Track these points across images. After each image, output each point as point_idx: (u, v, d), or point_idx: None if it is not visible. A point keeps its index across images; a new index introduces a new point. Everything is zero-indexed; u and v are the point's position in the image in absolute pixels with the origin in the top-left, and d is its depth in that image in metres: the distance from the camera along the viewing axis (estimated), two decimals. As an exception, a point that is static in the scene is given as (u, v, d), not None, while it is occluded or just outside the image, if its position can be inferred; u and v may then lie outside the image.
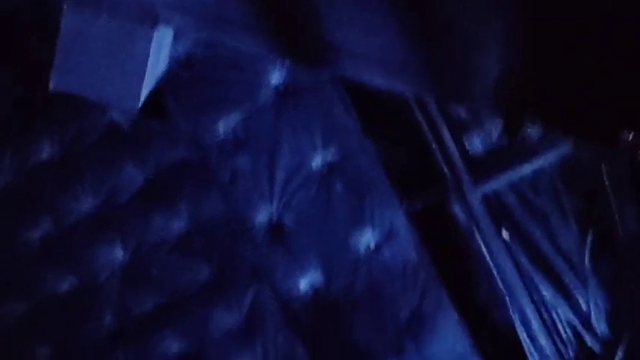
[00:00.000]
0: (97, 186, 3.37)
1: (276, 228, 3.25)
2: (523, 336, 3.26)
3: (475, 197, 3.22)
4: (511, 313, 3.25)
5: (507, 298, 3.24)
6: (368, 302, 3.24)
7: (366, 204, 3.21)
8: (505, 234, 3.22)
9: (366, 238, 3.21)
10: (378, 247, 3.21)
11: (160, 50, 2.59)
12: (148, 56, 2.48)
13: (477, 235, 3.23)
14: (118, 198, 3.37)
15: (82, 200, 3.34)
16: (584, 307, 3.20)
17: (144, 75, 2.53)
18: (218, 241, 3.40)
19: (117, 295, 3.35)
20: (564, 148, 3.11)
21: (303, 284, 3.27)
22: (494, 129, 3.21)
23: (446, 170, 3.22)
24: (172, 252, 3.40)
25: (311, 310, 3.27)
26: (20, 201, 3.31)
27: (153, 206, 3.37)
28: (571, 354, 3.23)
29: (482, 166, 3.23)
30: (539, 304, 3.24)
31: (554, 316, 3.24)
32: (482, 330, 3.34)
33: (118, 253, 3.36)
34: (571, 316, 3.23)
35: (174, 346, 3.42)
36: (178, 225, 3.39)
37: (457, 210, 3.27)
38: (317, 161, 3.21)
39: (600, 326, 3.16)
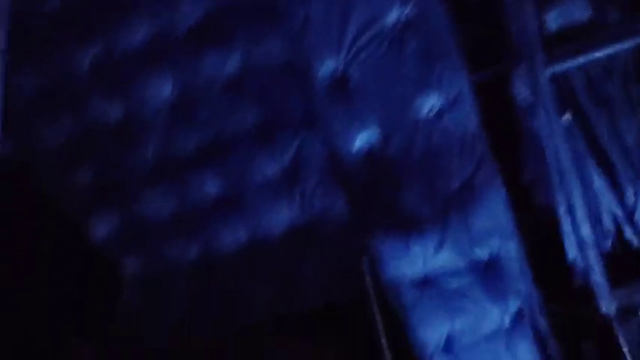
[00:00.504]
0: (153, 16, 3.18)
1: (339, 80, 3.14)
2: (566, 222, 3.28)
3: (543, 76, 3.17)
4: (557, 198, 3.25)
5: (556, 183, 3.23)
6: (421, 167, 3.19)
7: (435, 68, 3.12)
8: (567, 117, 3.19)
9: (430, 103, 3.14)
10: (440, 112, 3.14)
11: None
12: None
13: (538, 115, 3.19)
14: (173, 31, 3.20)
15: (137, 30, 3.16)
16: (631, 200, 3.23)
17: None
18: (271, 87, 3.28)
19: (162, 130, 3.22)
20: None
21: (359, 141, 3.19)
22: (575, 7, 3.14)
23: (519, 45, 3.15)
24: (222, 93, 3.27)
25: (362, 167, 3.21)
26: (73, 23, 3.11)
27: (209, 43, 3.21)
28: (609, 245, 3.27)
29: (557, 45, 3.17)
30: (588, 192, 3.25)
31: (600, 206, 3.26)
32: (525, 211, 3.34)
33: (168, 89, 3.21)
34: (616, 208, 3.25)
35: (213, 188, 3.33)
36: (232, 65, 3.25)
37: (522, 87, 3.22)
38: (392, 16, 3.09)
39: (643, 221, 3.21)
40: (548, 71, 3.18)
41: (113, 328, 3.06)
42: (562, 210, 3.28)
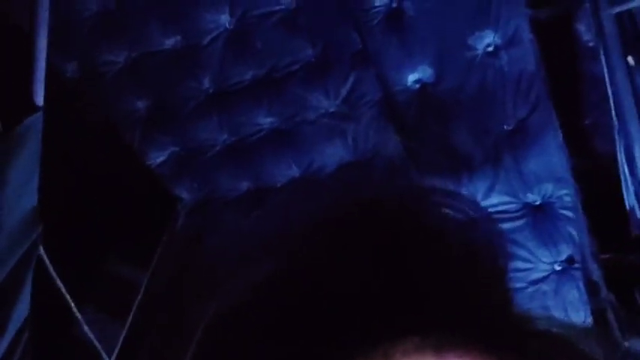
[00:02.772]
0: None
1: (395, 14, 3.10)
2: (623, 169, 3.17)
3: (608, 16, 3.05)
4: (617, 144, 3.15)
5: (617, 128, 3.13)
6: (475, 106, 3.14)
7: (493, 4, 3.04)
8: (631, 59, 3.08)
9: (487, 40, 3.07)
10: (497, 50, 3.07)
11: None
12: None
13: (601, 56, 3.09)
14: (231, -41, 3.21)
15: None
16: (693, 147, 3.10)
17: None
18: (327, 20, 3.26)
19: (218, 59, 3.24)
20: None
21: (412, 77, 3.15)
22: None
23: (582, -18, 3.04)
24: (278, 25, 3.27)
25: (415, 104, 3.17)
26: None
27: (266, -26, 3.21)
28: (668, 194, 3.16)
29: (623, -16, 3.05)
30: (649, 139, 3.14)
31: (661, 153, 3.14)
32: (582, 156, 3.25)
33: (225, 18, 3.22)
34: (677, 156, 3.13)
35: (267, 120, 3.35)
36: (289, -3, 3.24)
37: (584, 27, 3.12)
38: (451, -51, 3.02)
39: None
40: (613, 10, 3.06)
41: (163, 252, 3.13)
42: (621, 157, 3.17)
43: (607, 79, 3.10)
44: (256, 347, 0.44)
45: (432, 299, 0.44)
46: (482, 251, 0.47)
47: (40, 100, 2.04)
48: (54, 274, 2.19)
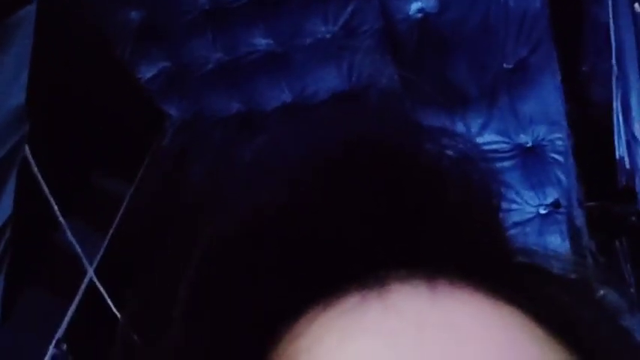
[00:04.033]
0: None
1: (402, -60, 3.02)
2: (618, 117, 3.15)
3: (618, -40, 2.99)
4: (614, 92, 3.12)
5: (616, 75, 3.09)
6: (476, 41, 3.09)
7: (503, -62, 2.97)
8: (637, 6, 3.03)
9: (494, -26, 3.00)
10: (503, -14, 3.01)
11: None
12: None
13: (606, 2, 3.03)
14: None
15: None
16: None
17: None
18: (331, -57, 3.17)
19: (216, -26, 3.16)
20: None
21: (415, 6, 3.09)
22: None
23: None
24: (280, -56, 3.18)
25: (415, 34, 3.12)
26: None
27: None
28: (660, 147, 3.14)
29: None
30: (647, 88, 3.11)
31: (656, 103, 3.12)
32: (576, 102, 3.23)
33: None
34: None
35: (262, 41, 3.28)
36: None
37: (593, -30, 3.06)
38: None
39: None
40: (623, -46, 3.00)
41: (148, 167, 3.09)
42: (617, 105, 3.15)
43: (611, 25, 3.06)
44: (256, 272, 0.42)
45: (426, 233, 0.43)
46: (477, 188, 0.45)
47: (33, -7, 1.97)
48: (39, 175, 2.15)
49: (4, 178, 1.96)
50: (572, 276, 0.45)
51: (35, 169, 2.12)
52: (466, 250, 0.43)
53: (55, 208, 2.37)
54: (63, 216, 2.48)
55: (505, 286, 0.42)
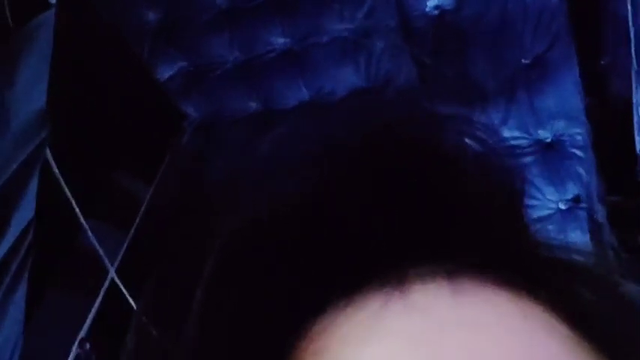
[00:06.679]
0: None
1: (418, -64, 3.01)
2: (637, 112, 3.13)
3: (637, -48, 2.97)
4: (633, 86, 3.10)
5: (635, 70, 3.07)
6: (494, 37, 3.08)
7: None
8: (657, -1, 3.00)
9: (511, -31, 2.99)
10: (521, -20, 2.99)
11: None
12: None
13: (626, -5, 3.01)
14: None
15: None
16: None
17: None
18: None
19: (232, -27, 3.16)
20: None
21: (432, 3, 3.08)
22: None
23: None
24: (296, -58, 3.18)
25: (432, 31, 3.11)
26: None
27: None
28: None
29: None
30: (667, 82, 3.09)
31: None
32: (595, 96, 3.21)
33: None
34: (695, 101, 3.09)
35: (279, 40, 3.29)
36: None
37: (611, -37, 3.03)
38: None
39: None
40: (642, -53, 2.97)
41: (167, 167, 3.10)
42: (636, 100, 3.13)
43: (630, 19, 3.03)
44: (274, 268, 0.42)
45: (447, 227, 0.42)
46: (500, 180, 0.45)
47: (52, -2, 1.98)
48: (60, 178, 2.17)
49: (25, 181, 1.98)
50: (595, 270, 0.45)
51: (56, 171, 2.14)
52: (488, 245, 0.43)
53: (77, 209, 2.39)
54: (84, 216, 2.50)
55: (528, 282, 0.42)
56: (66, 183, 2.33)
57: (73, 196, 2.41)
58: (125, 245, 2.78)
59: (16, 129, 1.87)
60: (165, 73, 3.32)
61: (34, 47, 1.88)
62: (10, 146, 1.88)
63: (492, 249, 0.43)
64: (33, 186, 2.02)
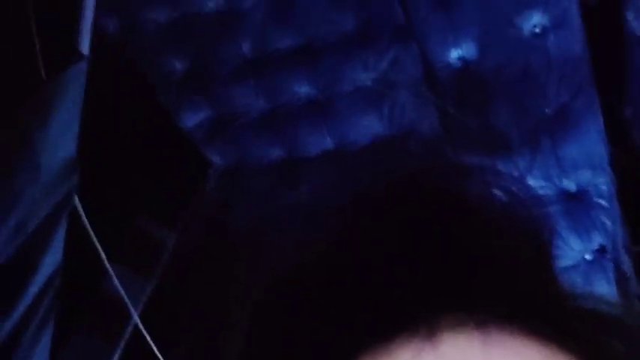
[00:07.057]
0: None
1: (441, -12, 3.05)
2: (663, 161, 3.12)
3: (659, 5, 2.99)
4: (657, 136, 3.09)
5: (659, 119, 3.07)
6: (517, 87, 3.10)
7: (543, -15, 2.99)
8: (680, 50, 3.01)
9: (534, 20, 3.02)
10: (544, 31, 3.02)
11: None
12: None
13: (648, 46, 3.03)
14: None
15: None
16: None
17: None
18: (371, -8, 3.22)
19: (259, 25, 3.22)
20: None
21: (455, 53, 3.11)
22: None
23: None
24: (321, -6, 3.24)
25: (456, 81, 3.13)
26: None
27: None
28: None
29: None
30: (692, 132, 3.08)
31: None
32: (620, 146, 3.21)
33: (267, -18, 3.20)
34: None
35: (303, 88, 3.33)
36: (334, -34, 3.20)
37: (633, 15, 3.06)
38: None
39: None
40: (665, -1, 2.99)
41: (191, 213, 3.13)
42: (661, 149, 3.12)
43: (653, 69, 3.04)
44: (306, 319, 0.42)
45: (475, 276, 0.43)
46: (527, 230, 0.45)
47: (85, 49, 2.03)
48: (88, 224, 2.19)
49: (54, 227, 2.00)
50: (623, 321, 0.45)
51: (84, 218, 2.16)
52: (516, 295, 0.43)
53: (102, 254, 2.41)
54: (109, 261, 2.52)
55: (557, 332, 0.42)
56: (92, 228, 2.36)
57: (98, 242, 2.44)
58: (149, 291, 2.79)
59: (46, 176, 1.90)
60: (190, 120, 3.36)
61: (66, 96, 1.92)
62: (41, 192, 1.92)
63: (520, 299, 0.43)
64: (61, 231, 2.04)
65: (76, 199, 2.18)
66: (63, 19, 2.10)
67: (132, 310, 2.43)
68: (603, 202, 3.13)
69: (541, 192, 3.13)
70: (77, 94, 1.98)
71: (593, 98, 3.08)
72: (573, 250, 3.15)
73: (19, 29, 2.03)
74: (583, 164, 3.12)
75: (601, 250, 3.14)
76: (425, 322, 0.42)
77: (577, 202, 3.16)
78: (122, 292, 2.35)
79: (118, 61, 3.07)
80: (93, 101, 2.33)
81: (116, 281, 2.32)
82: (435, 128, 3.24)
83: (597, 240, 3.14)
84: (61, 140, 1.96)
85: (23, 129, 1.82)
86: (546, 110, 3.11)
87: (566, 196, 3.17)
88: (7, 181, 1.77)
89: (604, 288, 3.15)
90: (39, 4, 2.14)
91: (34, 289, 1.97)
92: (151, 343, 2.63)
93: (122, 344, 2.62)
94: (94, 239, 2.24)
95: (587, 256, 3.16)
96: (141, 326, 2.63)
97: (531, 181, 3.15)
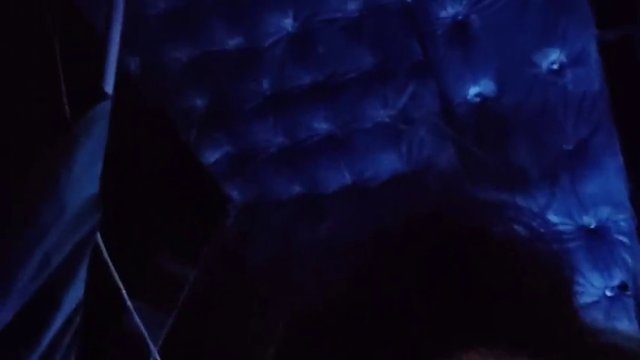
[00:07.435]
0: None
1: (460, 26, 3.08)
2: (683, 197, 3.11)
3: (677, 41, 3.00)
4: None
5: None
6: (535, 124, 3.11)
7: (561, 22, 3.01)
8: (698, 86, 3.02)
9: (552, 58, 3.04)
10: (561, 68, 3.04)
11: None
12: None
13: (666, 82, 3.03)
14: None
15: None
16: None
17: None
18: (389, 30, 3.25)
19: (279, 63, 3.26)
20: None
21: (473, 90, 3.13)
22: None
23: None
24: (341, 32, 3.28)
25: (474, 118, 3.15)
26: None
27: (331, -21, 3.22)
28: None
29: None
30: None
31: None
32: (639, 182, 3.20)
33: (288, 23, 3.24)
34: None
35: (322, 126, 3.36)
36: (353, 5, 3.24)
37: (651, 51, 3.07)
38: (520, -35, 3.00)
39: None
40: (683, 36, 3.01)
41: (212, 247, 3.14)
42: (681, 185, 3.11)
43: (672, 105, 3.05)
44: (329, 352, 0.43)
45: (497, 311, 0.44)
46: (548, 265, 0.46)
47: (110, 88, 2.07)
48: (109, 261, 2.21)
49: (77, 264, 2.03)
50: None
51: (106, 254, 2.19)
52: (538, 330, 0.44)
53: (123, 290, 2.43)
54: (129, 297, 2.54)
55: None
56: (114, 265, 2.38)
57: (119, 278, 2.46)
58: (168, 326, 2.80)
59: (70, 214, 1.93)
60: (211, 156, 3.40)
61: (90, 136, 1.96)
62: (66, 230, 1.94)
63: (542, 334, 0.44)
64: (84, 268, 2.06)
65: (98, 236, 2.20)
66: (88, 59, 2.14)
67: (152, 346, 2.44)
68: (623, 239, 3.12)
69: (561, 228, 3.12)
70: (101, 133, 2.02)
71: (612, 134, 3.08)
72: (594, 287, 3.14)
73: (45, 69, 2.07)
74: (602, 200, 3.12)
75: (622, 287, 3.12)
76: (448, 357, 0.43)
77: (597, 239, 3.15)
78: (142, 328, 2.36)
79: (139, 99, 3.12)
80: (115, 139, 2.37)
81: (136, 317, 2.33)
82: (453, 163, 3.24)
83: (618, 276, 3.12)
84: (84, 178, 1.99)
85: (49, 168, 1.85)
86: (564, 146, 3.11)
87: (586, 232, 3.16)
88: (33, 219, 1.79)
89: (625, 324, 3.12)
90: (65, 44, 2.18)
91: (57, 323, 1.99)
92: (171, 379, 2.63)
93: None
94: (115, 275, 2.26)
95: (608, 293, 3.14)
96: (161, 362, 2.63)
97: (551, 217, 3.15)
